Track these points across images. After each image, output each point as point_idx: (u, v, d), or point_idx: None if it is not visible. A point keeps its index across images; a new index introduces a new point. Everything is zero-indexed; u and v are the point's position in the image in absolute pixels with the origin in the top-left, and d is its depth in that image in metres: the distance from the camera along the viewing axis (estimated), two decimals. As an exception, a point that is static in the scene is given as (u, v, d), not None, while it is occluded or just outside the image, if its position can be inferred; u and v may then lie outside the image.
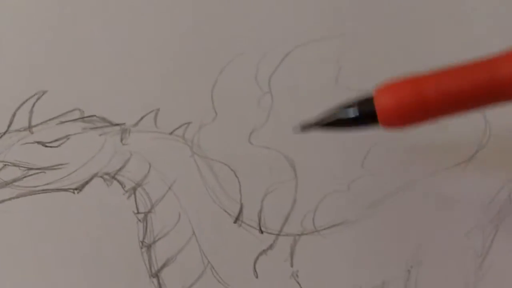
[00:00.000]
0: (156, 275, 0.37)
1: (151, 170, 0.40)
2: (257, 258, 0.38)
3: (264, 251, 0.38)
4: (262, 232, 0.39)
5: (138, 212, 0.39)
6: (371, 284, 0.38)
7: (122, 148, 0.41)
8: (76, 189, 0.39)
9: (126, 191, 0.39)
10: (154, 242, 0.38)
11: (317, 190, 0.41)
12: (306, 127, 0.36)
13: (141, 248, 0.38)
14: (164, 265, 0.37)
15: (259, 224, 0.39)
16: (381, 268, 0.38)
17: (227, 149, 0.42)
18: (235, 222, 0.39)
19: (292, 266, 0.38)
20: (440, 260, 0.38)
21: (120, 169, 0.40)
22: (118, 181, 0.40)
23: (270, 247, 0.38)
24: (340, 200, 0.41)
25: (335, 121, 0.35)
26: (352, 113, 0.34)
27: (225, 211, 0.39)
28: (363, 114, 0.34)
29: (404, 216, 0.40)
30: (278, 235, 0.39)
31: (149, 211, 0.39)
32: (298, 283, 0.37)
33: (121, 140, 0.41)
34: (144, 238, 0.38)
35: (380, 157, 0.42)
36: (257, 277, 0.37)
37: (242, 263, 0.38)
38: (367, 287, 0.38)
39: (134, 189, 0.40)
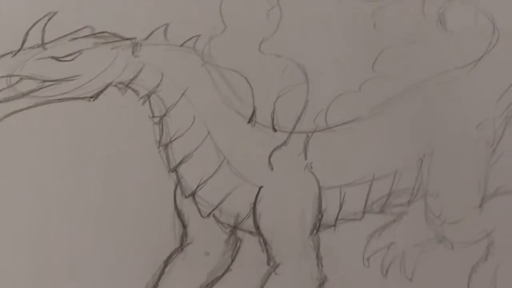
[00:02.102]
0: (174, 170, 0.37)
1: (164, 78, 0.41)
2: (271, 153, 0.39)
3: (278, 147, 0.39)
4: (275, 130, 0.39)
5: (153, 116, 0.39)
6: (383, 172, 0.38)
7: (134, 60, 0.42)
8: (91, 97, 0.40)
9: (141, 98, 0.40)
10: (171, 142, 0.39)
11: (329, 91, 0.42)
12: None
13: (159, 147, 0.38)
14: (181, 162, 0.38)
15: (272, 123, 0.40)
16: (393, 158, 0.39)
17: (238, 58, 0.42)
18: (249, 122, 0.40)
19: (306, 158, 0.38)
20: (452, 149, 0.39)
21: (133, 79, 0.41)
22: (132, 89, 0.41)
23: (284, 143, 0.39)
24: (352, 100, 0.41)
25: None
26: None
27: (239, 113, 0.40)
28: None
29: (416, 112, 0.41)
30: (291, 132, 0.39)
31: (164, 115, 0.39)
32: (312, 173, 0.38)
33: (133, 52, 0.42)
34: (160, 138, 0.39)
35: (390, 60, 0.43)
36: (272, 169, 0.38)
37: (257, 158, 0.39)
38: (380, 175, 0.38)
39: (148, 96, 0.40)
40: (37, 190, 0.38)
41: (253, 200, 0.36)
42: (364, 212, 0.36)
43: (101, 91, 0.41)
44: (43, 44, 0.42)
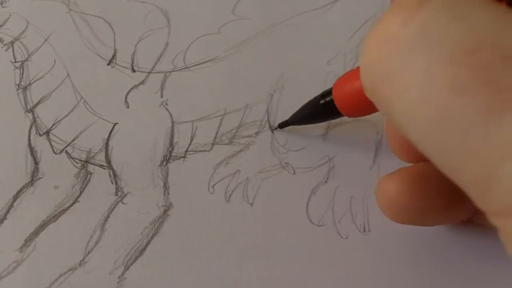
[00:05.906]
0: (31, 110, 0.39)
1: (29, 26, 0.43)
2: (128, 92, 0.40)
3: (135, 86, 0.41)
4: (134, 71, 0.41)
5: (15, 61, 0.41)
6: (235, 107, 0.40)
7: (2, 10, 0.43)
8: (-45, 45, 0.41)
9: (5, 45, 0.42)
10: (30, 84, 0.40)
11: (189, 35, 0.43)
12: (283, 125, 0.40)
13: (17, 90, 0.40)
14: (38, 102, 0.39)
15: (132, 64, 0.41)
16: (245, 94, 0.41)
17: (103, 5, 0.44)
18: (108, 64, 0.41)
19: (162, 96, 0.40)
20: (302, 84, 0.41)
21: (-1, 28, 0.42)
22: (-3, 37, 0.42)
23: (142, 82, 0.41)
24: (211, 41, 0.43)
25: (306, 118, 0.38)
26: (320, 108, 0.36)
27: (99, 55, 0.42)
28: (327, 109, 0.36)
29: (270, 51, 0.43)
30: (149, 72, 0.41)
31: (26, 60, 0.41)
32: (167, 109, 0.40)
33: (1, 3, 0.43)
34: (20, 81, 0.40)
35: (250, 4, 0.45)
36: (128, 107, 0.40)
37: (114, 96, 0.40)
38: (232, 109, 0.40)
39: (12, 43, 0.42)
40: None
41: (106, 136, 0.38)
42: (213, 144, 0.38)
43: (-35, 40, 0.42)
44: None
